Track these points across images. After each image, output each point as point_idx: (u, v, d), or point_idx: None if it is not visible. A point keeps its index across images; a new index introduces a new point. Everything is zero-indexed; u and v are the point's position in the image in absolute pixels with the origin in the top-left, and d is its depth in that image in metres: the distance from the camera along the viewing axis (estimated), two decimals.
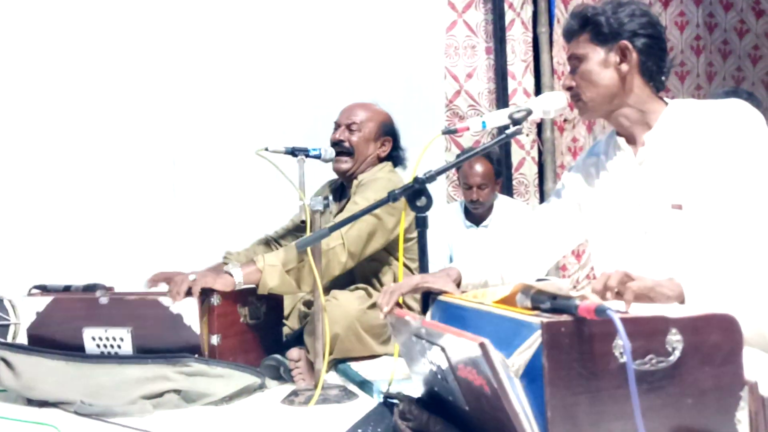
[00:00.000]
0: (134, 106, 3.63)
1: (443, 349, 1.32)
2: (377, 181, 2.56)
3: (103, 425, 1.88)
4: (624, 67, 1.73)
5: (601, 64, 1.75)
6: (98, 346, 2.19)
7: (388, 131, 2.72)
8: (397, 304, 1.72)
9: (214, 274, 2.25)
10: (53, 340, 2.22)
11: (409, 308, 2.50)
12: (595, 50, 1.75)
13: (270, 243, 2.83)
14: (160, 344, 2.12)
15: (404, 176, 2.69)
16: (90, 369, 2.08)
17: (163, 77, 3.66)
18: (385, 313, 1.66)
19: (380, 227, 2.46)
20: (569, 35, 1.82)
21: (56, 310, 2.24)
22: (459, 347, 1.27)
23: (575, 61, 1.79)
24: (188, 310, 2.12)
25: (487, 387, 1.20)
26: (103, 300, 2.16)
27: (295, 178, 2.24)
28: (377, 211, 2.38)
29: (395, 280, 2.60)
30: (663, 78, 1.79)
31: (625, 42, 1.72)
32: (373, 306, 2.44)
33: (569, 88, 1.82)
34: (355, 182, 2.64)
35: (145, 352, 2.13)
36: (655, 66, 1.75)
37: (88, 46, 3.58)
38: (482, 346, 1.15)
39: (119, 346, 2.16)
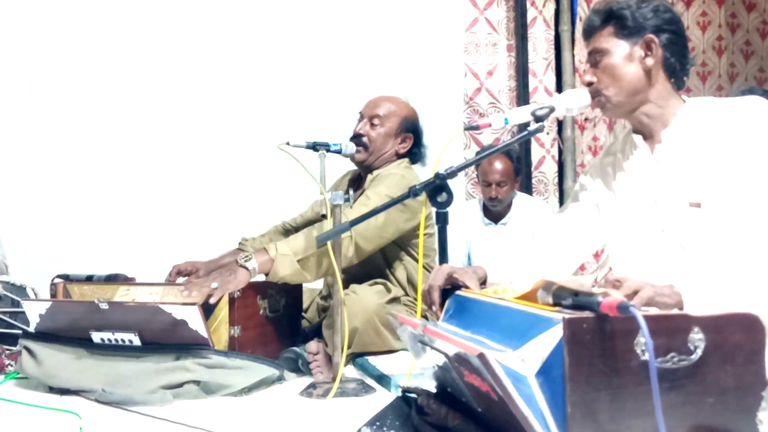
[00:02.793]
0: (155, 98, 3.65)
1: (447, 356, 1.33)
2: (390, 177, 2.55)
3: (124, 413, 1.91)
4: (649, 61, 1.72)
5: (626, 59, 1.73)
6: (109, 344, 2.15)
7: (410, 128, 2.71)
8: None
9: (232, 275, 2.25)
10: (62, 338, 2.19)
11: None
12: (618, 44, 1.74)
13: (288, 231, 2.84)
14: (170, 345, 2.10)
15: (421, 173, 2.68)
16: (110, 358, 2.10)
17: (184, 69, 3.68)
18: (434, 312, 1.68)
19: (389, 222, 2.46)
20: (590, 31, 1.79)
21: (58, 314, 2.18)
22: (460, 357, 1.27)
23: (597, 55, 1.76)
24: (192, 316, 2.06)
25: (493, 393, 1.20)
26: (103, 306, 2.09)
27: (316, 172, 2.25)
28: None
29: (408, 275, 2.61)
30: (684, 77, 1.78)
31: (651, 35, 1.71)
32: (392, 301, 2.45)
33: (590, 84, 1.79)
34: (370, 177, 2.64)
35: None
36: (677, 63, 1.74)
37: (110, 38, 3.61)
38: (481, 356, 1.15)
39: (131, 342, 2.13)
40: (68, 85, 3.54)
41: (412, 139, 2.71)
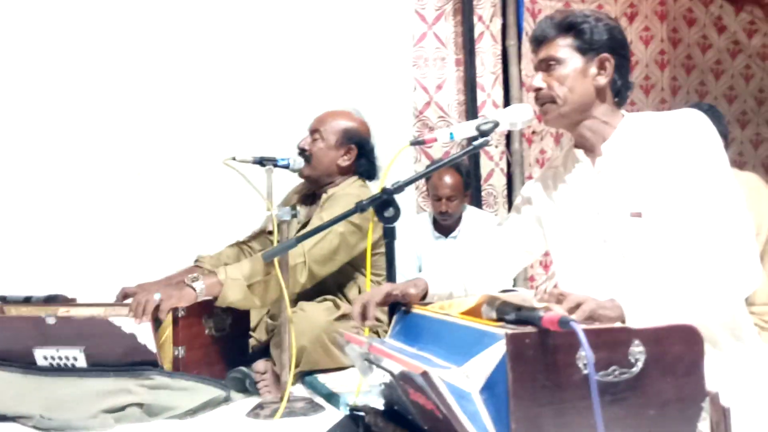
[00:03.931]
0: (100, 112, 3.58)
1: (392, 374, 1.32)
2: (344, 197, 2.53)
3: None
4: (601, 79, 1.73)
5: (580, 73, 1.73)
6: (51, 365, 2.10)
7: (353, 139, 2.68)
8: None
9: (177, 290, 2.21)
10: (3, 359, 2.13)
11: (378, 320, 2.49)
12: (574, 56, 1.73)
13: (241, 247, 2.81)
14: (116, 362, 2.06)
15: (376, 190, 2.66)
16: (49, 382, 2.04)
17: (128, 85, 3.62)
18: (363, 326, 1.67)
19: (343, 246, 2.45)
20: (544, 37, 1.77)
21: (3, 330, 2.14)
22: (404, 375, 1.26)
23: (551, 62, 1.74)
24: (141, 330, 2.04)
25: (438, 411, 1.19)
26: (50, 320, 2.05)
27: (263, 188, 2.23)
28: (341, 229, 2.37)
29: (360, 293, 2.59)
30: (626, 98, 1.81)
31: (607, 54, 1.72)
32: (341, 318, 2.42)
33: (538, 89, 1.76)
34: (324, 196, 2.62)
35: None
36: (623, 87, 1.77)
37: (55, 54, 3.53)
38: (425, 375, 1.14)
39: (73, 365, 2.08)
40: (8, 99, 3.45)
41: (355, 150, 2.68)
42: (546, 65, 1.76)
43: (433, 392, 1.14)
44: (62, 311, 2.25)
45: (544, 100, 1.77)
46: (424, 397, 1.22)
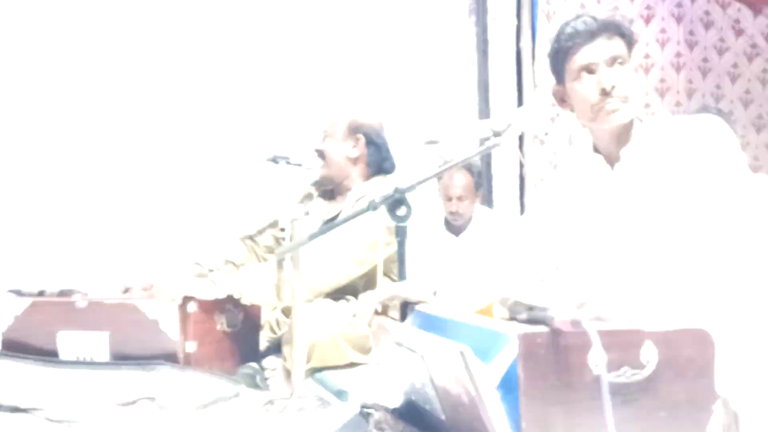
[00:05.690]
0: (118, 110, 3.61)
1: (423, 357, 1.32)
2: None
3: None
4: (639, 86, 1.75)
5: (632, 73, 1.73)
6: (73, 352, 2.15)
7: (359, 130, 2.66)
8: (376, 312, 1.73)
9: (199, 282, 2.23)
10: (28, 344, 2.19)
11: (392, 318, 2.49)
12: (627, 59, 1.72)
13: (245, 242, 2.82)
14: (137, 349, 2.10)
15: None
16: (63, 374, 2.06)
17: (141, 83, 3.64)
18: (368, 322, 1.67)
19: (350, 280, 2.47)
20: (605, 29, 1.71)
21: (34, 314, 2.20)
22: (438, 355, 1.27)
23: (622, 61, 1.70)
24: (165, 316, 2.09)
25: (465, 396, 1.19)
26: (81, 303, 2.11)
27: (277, 185, 2.24)
28: (347, 265, 2.41)
29: None
30: None
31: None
32: (354, 316, 2.43)
33: (613, 87, 1.68)
34: (349, 194, 2.62)
35: (121, 358, 2.11)
36: None
37: (74, 51, 3.57)
38: (462, 354, 1.14)
39: (94, 352, 2.13)
40: (20, 95, 3.48)
41: (363, 139, 2.66)
42: (612, 61, 1.70)
43: (466, 371, 1.14)
44: None
45: (620, 99, 1.70)
46: (453, 381, 1.22)
